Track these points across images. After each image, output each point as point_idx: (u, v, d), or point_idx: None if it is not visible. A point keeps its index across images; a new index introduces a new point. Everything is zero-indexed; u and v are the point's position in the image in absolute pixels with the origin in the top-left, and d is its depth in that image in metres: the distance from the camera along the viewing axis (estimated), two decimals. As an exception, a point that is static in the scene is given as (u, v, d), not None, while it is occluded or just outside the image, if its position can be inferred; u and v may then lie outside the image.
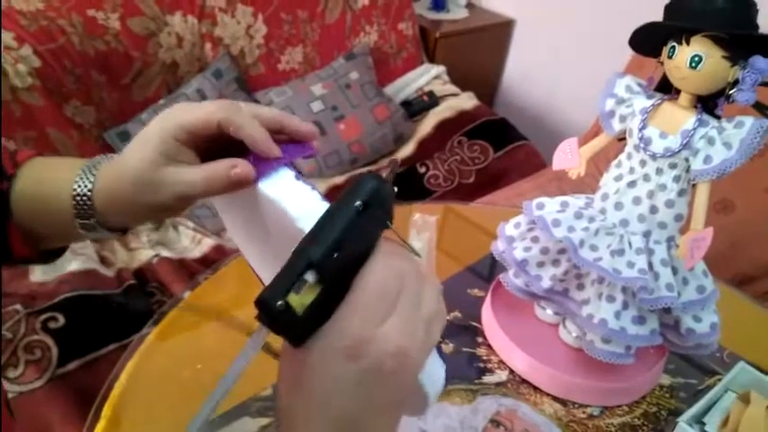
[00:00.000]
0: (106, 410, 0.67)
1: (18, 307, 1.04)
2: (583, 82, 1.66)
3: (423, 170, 1.67)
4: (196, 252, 1.39)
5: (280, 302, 0.30)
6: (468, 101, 1.85)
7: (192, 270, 1.30)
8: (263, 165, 0.41)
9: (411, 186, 1.62)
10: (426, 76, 1.93)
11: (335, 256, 0.31)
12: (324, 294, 0.31)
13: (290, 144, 0.43)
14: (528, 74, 2.21)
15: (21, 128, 1.35)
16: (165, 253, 1.34)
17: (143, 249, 1.36)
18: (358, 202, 0.34)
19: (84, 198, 0.42)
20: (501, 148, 1.72)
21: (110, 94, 1.51)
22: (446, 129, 1.75)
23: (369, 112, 1.68)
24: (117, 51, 1.48)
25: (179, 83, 1.62)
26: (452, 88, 1.93)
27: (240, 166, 0.40)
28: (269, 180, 0.40)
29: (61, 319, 1.06)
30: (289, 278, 0.30)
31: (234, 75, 1.63)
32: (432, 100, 1.84)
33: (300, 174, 0.41)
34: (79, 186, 0.42)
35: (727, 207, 1.30)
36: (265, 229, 0.45)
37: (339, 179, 1.63)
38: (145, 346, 0.75)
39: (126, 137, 1.50)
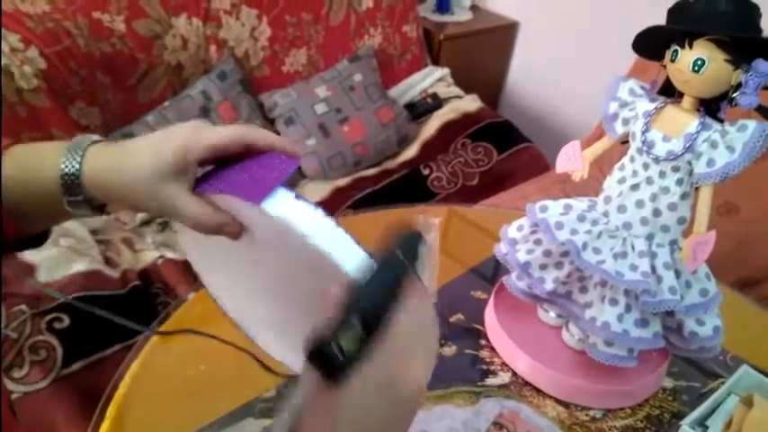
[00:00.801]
0: (111, 410, 0.67)
1: (23, 307, 1.05)
2: (586, 85, 1.66)
3: (426, 172, 1.67)
4: (200, 253, 1.39)
5: (333, 346, 0.33)
6: (471, 103, 1.85)
7: (197, 271, 1.30)
8: (260, 188, 0.42)
9: (414, 188, 1.62)
10: (430, 79, 1.93)
11: (378, 305, 0.36)
12: (366, 339, 0.35)
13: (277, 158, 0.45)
14: (532, 76, 2.21)
15: (26, 129, 1.35)
16: (169, 254, 1.34)
17: (148, 251, 1.37)
18: (401, 258, 0.38)
19: (73, 177, 0.42)
20: (505, 151, 1.72)
21: (115, 96, 1.52)
22: (450, 131, 1.75)
23: (373, 114, 1.68)
24: (122, 53, 1.49)
25: (184, 85, 1.63)
26: (456, 90, 1.93)
27: (232, 226, 0.44)
28: (272, 201, 0.41)
29: (66, 320, 1.06)
30: (340, 325, 0.34)
31: (238, 77, 1.64)
32: (436, 102, 1.85)
33: (299, 194, 0.43)
34: (66, 166, 0.42)
35: (731, 210, 1.30)
36: (264, 252, 0.47)
37: (343, 181, 1.64)
38: (149, 346, 0.76)
39: (131, 138, 1.51)
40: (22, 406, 0.95)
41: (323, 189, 1.61)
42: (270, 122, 1.65)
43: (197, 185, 0.44)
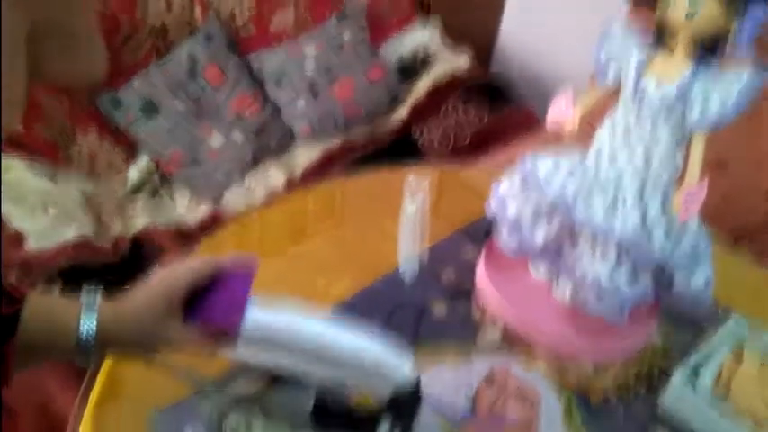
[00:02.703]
0: (101, 376, 0.67)
1: (13, 279, 1.04)
2: (580, 37, 1.62)
3: (417, 135, 1.64)
4: (192, 219, 1.38)
5: None
6: (463, 61, 1.81)
7: (189, 237, 1.29)
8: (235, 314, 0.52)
9: (405, 151, 1.60)
10: (421, 35, 1.88)
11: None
12: None
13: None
14: (525, 27, 2.16)
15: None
16: (161, 220, 1.33)
17: (139, 217, 1.36)
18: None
19: (88, 341, 0.47)
20: (497, 111, 1.69)
21: (98, 60, 1.48)
22: (441, 90, 1.71)
23: (362, 73, 1.65)
24: (103, 15, 1.45)
25: (169, 47, 1.58)
26: (448, 47, 1.88)
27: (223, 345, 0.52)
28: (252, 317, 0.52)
29: (58, 289, 1.06)
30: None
31: (225, 38, 1.60)
32: (426, 60, 1.81)
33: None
34: (82, 332, 0.47)
35: (722, 164, 1.29)
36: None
37: (334, 142, 1.61)
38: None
39: (118, 104, 1.48)
40: (18, 380, 0.94)
41: (314, 151, 1.59)
42: (258, 84, 1.62)
43: (186, 315, 0.51)
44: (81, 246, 1.18)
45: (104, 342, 0.47)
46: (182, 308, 0.51)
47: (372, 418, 0.61)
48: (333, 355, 0.55)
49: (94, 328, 0.47)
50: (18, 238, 1.14)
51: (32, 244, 1.14)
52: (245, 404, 0.65)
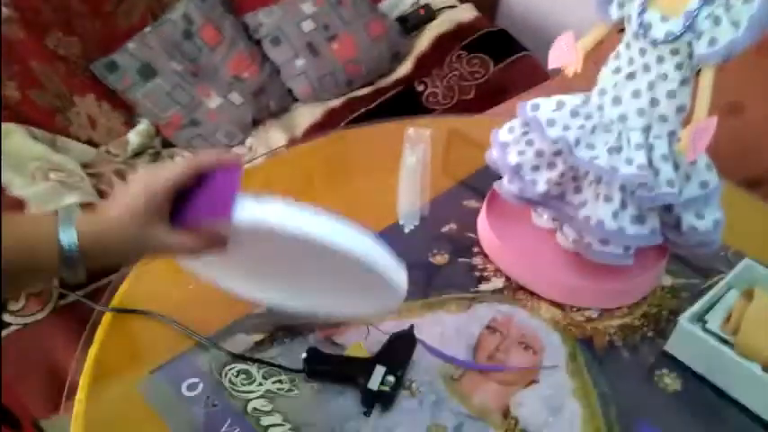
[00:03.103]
0: (99, 334, 0.67)
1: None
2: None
3: (421, 88, 1.61)
4: (194, 182, 1.37)
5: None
6: (466, 12, 1.76)
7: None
8: (224, 204, 0.48)
9: (409, 105, 1.56)
10: (422, -10, 1.83)
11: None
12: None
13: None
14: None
15: (3, 62, 1.30)
16: (161, 184, 1.32)
17: (140, 182, 1.35)
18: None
19: (73, 249, 0.44)
20: (501, 61, 1.65)
21: (93, 24, 1.45)
22: (444, 44, 1.67)
23: (363, 29, 1.61)
24: (95, -22, 1.41)
25: (164, 9, 1.55)
26: (450, 0, 1.83)
27: (215, 242, 0.49)
28: (240, 210, 0.48)
29: (60, 253, 1.06)
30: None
31: (220, -3, 1.56)
32: (428, 13, 1.76)
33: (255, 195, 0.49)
34: (64, 245, 0.44)
35: (736, 109, 1.25)
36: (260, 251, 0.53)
37: (335, 102, 1.58)
38: (133, 273, 0.74)
39: (114, 68, 1.46)
40: (21, 337, 0.95)
41: (315, 111, 1.56)
42: (256, 44, 1.59)
43: (173, 220, 0.48)
44: (83, 212, 1.17)
45: (89, 252, 0.45)
46: (167, 211, 0.48)
47: (366, 366, 0.60)
48: (329, 251, 0.49)
49: (76, 238, 0.44)
50: (19, 205, 1.14)
51: (33, 211, 1.14)
52: (244, 357, 0.64)
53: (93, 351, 0.65)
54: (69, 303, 1.01)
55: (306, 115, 1.56)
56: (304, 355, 0.62)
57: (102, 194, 1.28)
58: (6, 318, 0.97)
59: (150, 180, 0.47)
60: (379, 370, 0.60)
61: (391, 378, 0.60)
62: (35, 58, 1.36)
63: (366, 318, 0.67)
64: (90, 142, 1.41)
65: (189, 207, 0.49)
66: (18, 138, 1.28)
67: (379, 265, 0.51)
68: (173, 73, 1.47)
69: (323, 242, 0.48)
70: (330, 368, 0.62)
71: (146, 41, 1.49)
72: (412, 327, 0.65)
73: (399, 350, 0.63)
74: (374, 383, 0.59)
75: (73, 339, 0.96)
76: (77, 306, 1.02)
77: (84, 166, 1.33)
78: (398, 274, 0.53)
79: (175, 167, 0.48)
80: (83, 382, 0.62)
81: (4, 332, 0.96)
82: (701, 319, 0.66)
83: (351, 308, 0.62)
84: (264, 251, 0.53)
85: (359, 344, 0.65)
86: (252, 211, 0.48)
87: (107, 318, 0.68)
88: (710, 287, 0.70)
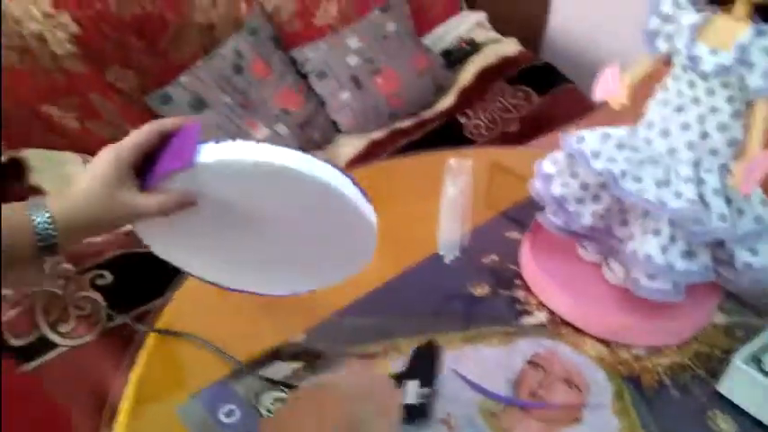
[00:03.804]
0: (141, 356, 0.68)
1: (66, 266, 1.08)
2: (631, 23, 1.56)
3: (464, 120, 1.61)
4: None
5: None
6: (510, 46, 1.77)
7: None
8: (188, 154, 0.49)
9: (452, 137, 1.57)
10: (466, 24, 1.85)
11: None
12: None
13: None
14: (574, 15, 2.09)
15: (64, 95, 1.37)
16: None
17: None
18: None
19: (49, 230, 0.47)
20: (545, 93, 1.64)
21: (148, 58, 1.52)
22: (487, 76, 1.68)
23: (407, 63, 1.63)
24: (152, 15, 1.48)
25: (215, 44, 1.61)
26: (494, 35, 1.84)
27: (186, 197, 0.51)
28: (205, 155, 0.49)
29: (109, 277, 1.09)
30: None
31: (269, 32, 1.61)
32: (472, 48, 1.77)
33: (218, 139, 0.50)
34: (39, 225, 0.46)
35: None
36: (227, 205, 0.53)
37: (378, 134, 1.60)
38: (180, 292, 0.76)
39: (168, 100, 1.52)
40: (70, 359, 0.98)
41: (359, 143, 1.58)
42: (303, 77, 1.63)
43: (143, 184, 0.50)
44: (130, 234, 1.20)
45: (63, 226, 0.47)
46: (135, 175, 0.50)
47: (397, 384, 0.58)
48: (295, 181, 0.49)
49: (48, 219, 0.46)
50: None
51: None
52: (282, 384, 0.64)
53: (135, 373, 0.66)
54: (117, 326, 1.04)
55: (349, 146, 1.58)
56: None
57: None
58: (55, 339, 1.00)
59: (113, 148, 0.49)
60: (412, 384, 0.58)
61: (426, 390, 0.58)
62: (96, 91, 1.43)
63: (344, 269, 0.63)
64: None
65: (155, 166, 0.51)
66: (74, 166, 1.34)
67: (348, 190, 0.51)
68: (223, 105, 1.51)
69: (289, 170, 0.48)
70: None
71: (197, 74, 1.55)
72: (433, 342, 0.63)
73: (425, 362, 0.61)
74: (411, 398, 0.57)
75: (119, 362, 0.98)
76: (126, 328, 1.04)
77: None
78: (366, 206, 0.53)
79: (140, 132, 0.50)
80: (124, 404, 0.63)
81: (54, 353, 0.99)
82: (756, 359, 0.63)
83: (323, 259, 0.61)
84: (231, 200, 0.53)
85: (386, 364, 0.65)
86: (214, 152, 0.49)
87: (150, 340, 0.70)
88: (767, 327, 0.67)
